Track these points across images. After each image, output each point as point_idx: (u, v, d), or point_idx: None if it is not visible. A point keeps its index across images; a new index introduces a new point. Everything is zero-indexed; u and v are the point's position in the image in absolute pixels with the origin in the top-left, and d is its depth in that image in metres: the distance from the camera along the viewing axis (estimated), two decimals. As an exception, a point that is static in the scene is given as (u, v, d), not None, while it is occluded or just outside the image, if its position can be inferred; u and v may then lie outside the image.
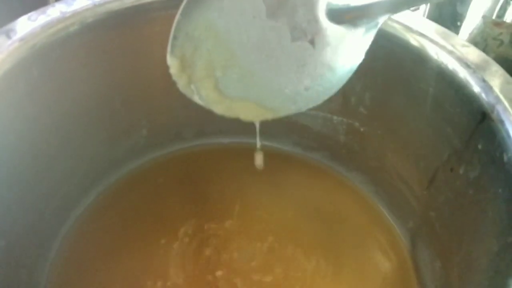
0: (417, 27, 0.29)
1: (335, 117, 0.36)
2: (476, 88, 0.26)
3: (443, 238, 0.29)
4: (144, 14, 0.30)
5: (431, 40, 0.28)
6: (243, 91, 0.25)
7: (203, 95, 0.24)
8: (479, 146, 0.25)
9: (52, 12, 0.28)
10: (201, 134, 0.39)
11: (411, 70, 0.30)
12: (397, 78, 0.31)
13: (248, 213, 0.35)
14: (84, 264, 0.31)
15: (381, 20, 0.24)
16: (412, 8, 0.51)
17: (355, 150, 0.37)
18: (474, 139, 0.26)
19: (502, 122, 0.24)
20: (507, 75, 0.26)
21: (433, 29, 0.29)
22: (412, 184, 0.33)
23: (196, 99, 0.24)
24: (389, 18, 0.30)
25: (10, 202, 0.27)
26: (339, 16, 0.24)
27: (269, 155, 0.39)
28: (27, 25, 0.27)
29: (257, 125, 0.27)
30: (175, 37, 0.23)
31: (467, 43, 0.28)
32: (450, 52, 0.27)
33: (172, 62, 0.23)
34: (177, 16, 0.23)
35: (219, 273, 0.31)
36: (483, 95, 0.25)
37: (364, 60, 0.31)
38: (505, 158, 0.23)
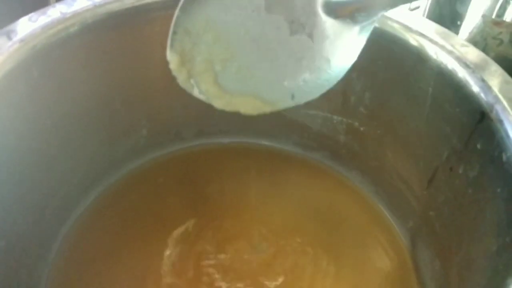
0: (417, 27, 0.29)
1: (335, 117, 0.36)
2: (475, 88, 0.26)
3: (442, 238, 0.29)
4: (144, 14, 0.30)
5: (431, 40, 0.28)
6: (242, 84, 0.25)
7: (203, 89, 0.24)
8: (478, 146, 0.25)
9: (53, 13, 0.28)
10: (201, 134, 0.39)
11: (410, 69, 0.30)
12: (397, 77, 0.31)
13: (248, 213, 0.35)
14: (84, 264, 0.31)
15: (378, 14, 0.24)
16: (412, 7, 0.51)
17: (355, 150, 0.37)
18: (473, 139, 0.26)
19: (501, 121, 0.24)
20: (506, 75, 0.26)
21: (432, 29, 0.29)
22: (412, 184, 0.33)
23: (196, 93, 0.24)
24: (389, 18, 0.30)
25: (10, 202, 0.27)
26: (336, 10, 0.24)
27: (269, 155, 0.40)
28: (27, 26, 0.27)
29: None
30: (174, 33, 0.23)
31: (466, 43, 0.28)
32: (450, 52, 0.27)
33: (171, 58, 0.23)
34: (176, 12, 0.23)
35: (219, 273, 0.31)
36: (482, 95, 0.25)
37: (364, 60, 0.31)
38: (504, 157, 0.23)
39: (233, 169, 0.38)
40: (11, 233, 0.27)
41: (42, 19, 0.27)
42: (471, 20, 0.39)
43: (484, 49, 0.35)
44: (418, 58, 0.29)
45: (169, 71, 0.24)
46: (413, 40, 0.29)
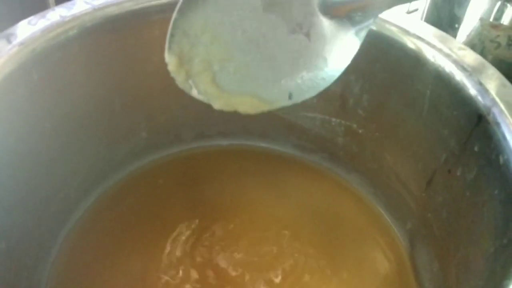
0: (415, 30, 0.29)
1: (333, 119, 0.36)
2: (472, 91, 0.26)
3: (441, 239, 0.30)
4: (143, 18, 0.31)
5: (428, 43, 0.29)
6: (240, 84, 0.25)
7: (201, 89, 0.24)
8: (476, 148, 0.25)
9: (52, 16, 0.28)
10: (201, 136, 0.39)
11: (408, 72, 0.30)
12: (395, 80, 0.31)
13: (248, 214, 0.35)
14: (84, 266, 0.31)
15: (375, 15, 0.24)
16: (410, 10, 0.51)
17: (353, 152, 0.37)
18: (470, 141, 0.26)
19: (498, 124, 0.24)
20: (503, 78, 0.26)
21: (430, 32, 0.29)
22: (410, 186, 0.33)
23: (195, 94, 0.24)
24: (387, 22, 0.30)
25: (10, 204, 0.27)
26: (333, 9, 0.24)
27: (268, 157, 0.40)
28: (27, 29, 0.27)
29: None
30: (172, 35, 0.23)
31: (464, 46, 0.28)
32: (447, 55, 0.28)
33: (170, 59, 0.23)
34: (174, 15, 0.23)
35: (218, 274, 0.31)
36: (479, 98, 0.25)
37: (362, 62, 0.31)
38: (501, 160, 0.23)
39: (232, 171, 0.38)
40: (11, 235, 0.27)
41: (42, 22, 0.27)
42: (469, 23, 0.39)
43: (482, 52, 0.36)
44: (416, 61, 0.29)
45: (168, 73, 0.24)
46: (411, 43, 0.29)
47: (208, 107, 0.25)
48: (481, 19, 0.37)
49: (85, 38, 0.29)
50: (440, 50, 0.28)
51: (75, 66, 0.29)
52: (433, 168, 0.30)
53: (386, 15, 0.30)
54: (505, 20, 0.37)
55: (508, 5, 0.36)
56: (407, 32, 0.29)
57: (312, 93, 0.26)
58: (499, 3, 0.37)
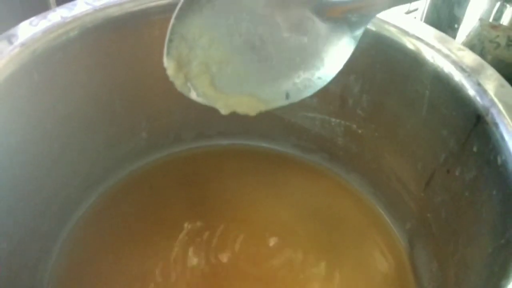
0: (414, 31, 0.29)
1: (333, 119, 0.36)
2: (471, 91, 0.26)
3: (440, 239, 0.30)
4: (143, 18, 0.31)
5: (427, 44, 0.29)
6: (238, 85, 0.25)
7: (200, 92, 0.25)
8: (474, 149, 0.26)
9: (53, 17, 0.28)
10: (201, 136, 0.39)
11: (407, 73, 0.30)
12: (394, 81, 0.31)
13: (248, 214, 0.35)
14: (85, 265, 0.31)
15: (371, 16, 0.24)
16: (411, 9, 0.51)
17: (353, 152, 0.37)
18: (469, 142, 0.26)
19: (496, 125, 0.24)
20: (502, 79, 0.26)
21: (429, 33, 0.29)
22: (409, 186, 0.33)
23: (194, 96, 0.25)
24: (386, 22, 0.30)
25: (12, 204, 0.27)
26: (329, 10, 0.25)
27: (268, 157, 0.40)
28: (28, 30, 0.27)
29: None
30: (170, 40, 0.23)
31: (462, 47, 0.28)
32: (446, 56, 0.28)
33: (168, 64, 0.24)
34: (172, 21, 0.23)
35: (219, 274, 0.31)
36: (478, 98, 0.25)
37: (361, 63, 0.31)
38: (499, 160, 0.23)
39: (232, 171, 0.38)
40: (13, 235, 0.27)
41: (43, 23, 0.27)
42: (469, 24, 0.39)
43: (481, 52, 0.36)
44: (415, 61, 0.29)
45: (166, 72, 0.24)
46: (410, 44, 0.29)
47: (208, 107, 0.25)
48: (481, 20, 0.37)
49: (86, 39, 0.29)
50: (439, 51, 0.28)
51: (76, 66, 0.29)
52: (432, 168, 0.30)
53: (385, 15, 0.30)
54: (504, 21, 0.37)
55: (508, 5, 0.36)
56: (406, 33, 0.30)
57: (309, 92, 0.26)
58: (498, 4, 0.37)
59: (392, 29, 0.30)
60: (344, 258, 0.33)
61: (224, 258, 0.32)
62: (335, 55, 0.25)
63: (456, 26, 0.41)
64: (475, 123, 0.25)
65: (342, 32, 0.25)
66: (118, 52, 0.31)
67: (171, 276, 0.31)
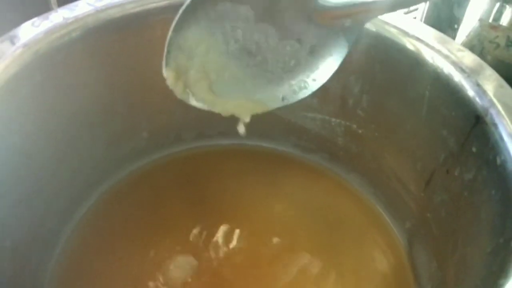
0: (414, 32, 0.30)
1: (333, 119, 0.36)
2: (470, 92, 0.26)
3: (439, 239, 0.30)
4: (145, 19, 0.31)
5: (427, 45, 0.29)
6: (235, 89, 0.26)
7: (199, 98, 0.26)
8: (474, 149, 0.26)
9: (55, 18, 0.28)
10: (201, 136, 0.39)
11: (407, 73, 0.30)
12: (394, 81, 0.31)
13: (247, 214, 0.35)
14: (87, 264, 0.31)
15: (364, 21, 0.25)
16: (411, 9, 0.51)
17: (353, 152, 0.37)
18: (469, 142, 0.26)
19: (495, 125, 0.24)
20: (501, 79, 0.26)
21: (429, 34, 0.29)
22: (409, 186, 0.33)
23: (193, 102, 0.26)
24: (387, 23, 0.30)
25: (15, 203, 0.27)
26: (323, 16, 0.25)
27: (268, 156, 0.40)
28: (30, 31, 0.27)
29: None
30: (168, 52, 0.24)
31: (462, 48, 0.28)
32: (446, 57, 0.28)
33: (168, 74, 0.25)
34: (169, 33, 0.24)
35: (219, 274, 0.31)
36: (477, 99, 0.25)
37: (362, 63, 0.32)
38: (498, 161, 0.23)
39: (232, 171, 0.38)
40: (16, 234, 0.27)
41: (45, 24, 0.28)
42: (468, 24, 0.39)
43: (481, 53, 0.36)
44: (415, 62, 0.29)
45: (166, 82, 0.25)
46: (410, 44, 0.29)
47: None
48: (480, 20, 0.37)
49: (88, 39, 0.29)
50: (439, 52, 0.28)
51: (78, 67, 0.29)
52: (432, 168, 0.30)
53: (385, 16, 0.30)
54: (504, 21, 0.37)
55: (507, 6, 0.36)
56: (406, 34, 0.30)
57: (304, 94, 0.27)
58: (498, 4, 0.37)
59: (392, 29, 0.30)
60: (344, 258, 0.33)
61: (224, 258, 0.32)
62: (329, 58, 0.26)
63: (456, 26, 0.41)
64: (475, 124, 0.25)
65: (336, 36, 0.25)
66: (120, 53, 0.31)
67: (172, 276, 0.31)
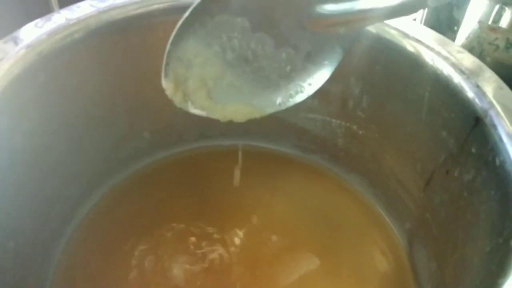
0: (414, 34, 0.30)
1: (333, 120, 0.37)
2: (470, 94, 0.26)
3: (439, 239, 0.30)
4: (147, 20, 0.31)
5: (427, 46, 0.29)
6: (233, 96, 0.27)
7: (198, 105, 0.26)
8: (473, 150, 0.26)
9: (58, 19, 0.28)
10: (203, 136, 0.39)
11: (407, 75, 0.30)
12: (394, 82, 0.31)
13: (248, 214, 0.35)
14: (89, 264, 0.31)
15: (357, 30, 0.26)
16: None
17: (353, 152, 0.37)
18: (468, 143, 0.26)
19: (494, 126, 0.24)
20: (500, 81, 0.26)
21: (429, 35, 0.30)
22: (409, 186, 0.33)
23: (193, 110, 0.26)
24: (387, 25, 0.30)
25: (18, 204, 0.27)
26: (317, 24, 0.25)
27: (269, 157, 0.40)
28: (33, 32, 0.27)
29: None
30: (167, 63, 0.25)
31: (462, 50, 0.29)
32: (446, 58, 0.28)
33: (167, 85, 0.25)
34: (168, 46, 0.24)
35: (220, 273, 0.31)
36: (477, 100, 0.26)
37: (362, 65, 0.32)
38: (497, 162, 0.23)
39: (233, 171, 0.38)
40: (19, 234, 0.27)
41: (48, 25, 0.28)
42: (468, 26, 0.39)
43: (481, 55, 0.36)
44: (415, 64, 0.29)
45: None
46: (410, 46, 0.29)
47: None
48: (480, 22, 0.37)
49: (91, 40, 0.29)
50: (438, 53, 0.28)
51: (81, 68, 0.30)
52: (431, 169, 0.30)
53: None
54: (503, 23, 0.37)
55: (506, 8, 0.37)
56: (406, 35, 0.30)
57: (301, 98, 0.27)
58: (497, 6, 0.37)
59: (392, 31, 0.30)
60: (344, 258, 0.33)
61: (225, 257, 0.32)
62: (324, 63, 0.27)
63: (455, 28, 0.41)
64: (474, 125, 0.26)
65: (331, 43, 0.26)
66: (122, 54, 0.31)
67: (172, 275, 0.31)
